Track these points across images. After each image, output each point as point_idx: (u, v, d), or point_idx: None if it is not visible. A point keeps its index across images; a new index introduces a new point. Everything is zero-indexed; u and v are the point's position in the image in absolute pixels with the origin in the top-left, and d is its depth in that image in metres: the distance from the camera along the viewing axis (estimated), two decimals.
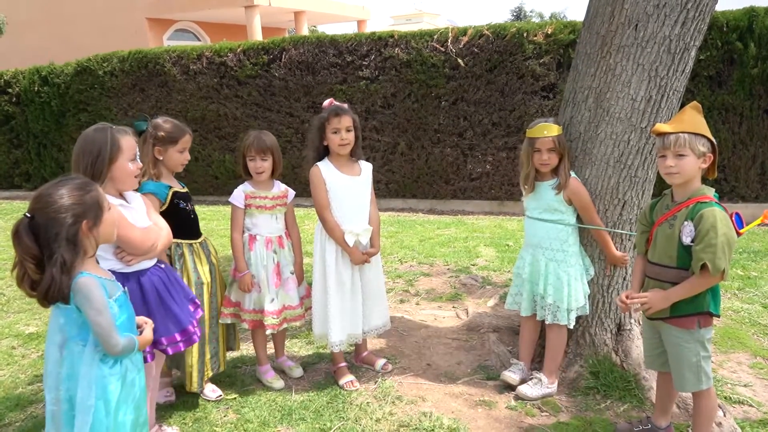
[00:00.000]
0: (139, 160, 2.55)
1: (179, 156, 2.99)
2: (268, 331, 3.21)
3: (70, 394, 2.05)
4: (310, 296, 3.37)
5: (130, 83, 9.67)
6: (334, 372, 3.35)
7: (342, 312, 3.20)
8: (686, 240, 2.35)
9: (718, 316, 2.47)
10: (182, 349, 2.73)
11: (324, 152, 3.23)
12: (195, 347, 2.99)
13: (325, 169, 3.18)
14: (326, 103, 3.21)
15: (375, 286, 3.34)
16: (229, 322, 3.25)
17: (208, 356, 3.11)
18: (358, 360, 3.52)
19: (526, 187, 3.15)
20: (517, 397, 3.06)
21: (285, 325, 3.29)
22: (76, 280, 2.00)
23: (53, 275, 1.93)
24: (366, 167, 3.31)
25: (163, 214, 2.86)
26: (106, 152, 2.40)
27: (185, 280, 2.98)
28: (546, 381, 3.08)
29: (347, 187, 3.19)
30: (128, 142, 2.48)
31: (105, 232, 2.11)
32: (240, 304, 3.23)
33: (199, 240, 3.11)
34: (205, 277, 3.07)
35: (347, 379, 3.26)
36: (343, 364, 3.35)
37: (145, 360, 2.51)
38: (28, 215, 1.97)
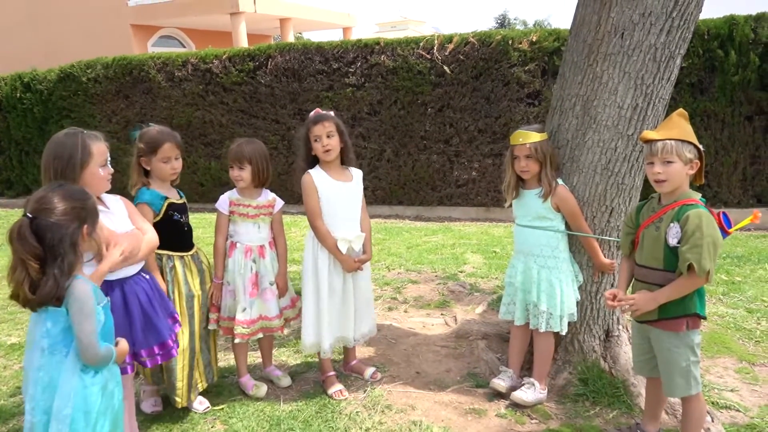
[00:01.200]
0: (110, 166, 2.52)
1: (164, 166, 2.93)
2: (237, 340, 3.19)
3: (48, 404, 2.04)
4: (294, 306, 3.36)
5: (114, 90, 9.58)
6: (322, 381, 3.32)
7: (332, 319, 3.18)
8: (672, 241, 2.37)
9: (705, 318, 2.50)
10: (159, 362, 2.70)
11: (314, 162, 3.22)
12: (183, 364, 2.95)
13: (317, 176, 3.17)
14: (312, 113, 3.22)
15: (365, 293, 3.34)
16: (214, 327, 3.21)
17: (201, 368, 3.08)
18: (346, 369, 3.50)
19: (508, 194, 3.17)
20: (513, 404, 3.03)
21: (260, 335, 3.26)
22: (73, 283, 2.02)
23: (56, 277, 1.97)
24: (357, 174, 3.31)
25: (155, 224, 2.83)
26: (77, 157, 2.37)
27: (176, 293, 2.95)
28: (538, 386, 3.08)
29: (339, 193, 3.18)
30: (99, 147, 2.46)
31: (99, 237, 2.17)
32: (219, 309, 3.21)
33: (191, 252, 3.08)
34: (196, 290, 3.04)
35: (336, 388, 3.23)
36: (332, 373, 3.32)
37: (125, 372, 2.48)
38: (30, 216, 1.98)
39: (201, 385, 3.09)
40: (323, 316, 3.16)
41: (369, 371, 3.42)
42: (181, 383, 2.95)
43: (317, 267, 3.18)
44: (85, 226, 2.07)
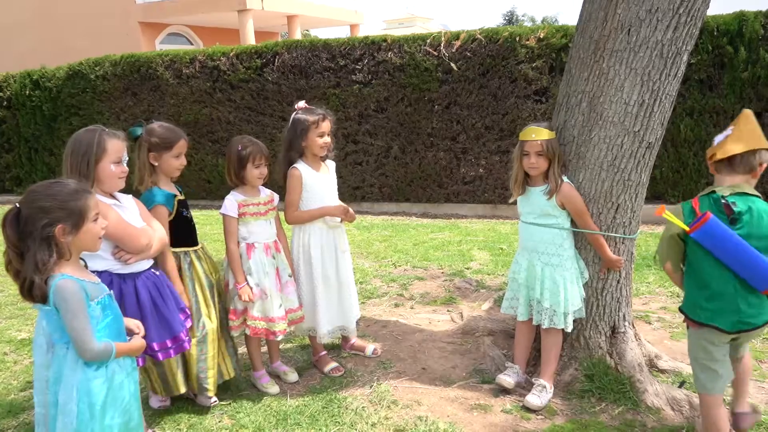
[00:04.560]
0: (125, 164, 2.55)
1: (175, 161, 2.95)
2: (279, 337, 3.22)
3: (57, 397, 2.06)
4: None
5: (123, 87, 9.63)
6: (316, 362, 3.40)
7: (329, 304, 3.34)
8: None
9: (694, 321, 2.63)
10: (172, 355, 2.74)
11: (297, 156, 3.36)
12: (213, 353, 2.99)
13: (304, 170, 3.32)
14: (301, 104, 3.34)
15: (351, 278, 3.50)
16: (242, 332, 3.22)
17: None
18: (347, 347, 3.56)
19: (515, 189, 3.18)
20: (526, 408, 3.01)
21: (290, 328, 3.32)
22: (56, 282, 2.02)
23: (30, 270, 1.99)
24: (332, 165, 3.50)
25: (170, 223, 2.86)
26: (92, 153, 2.44)
27: (197, 287, 2.98)
28: (549, 387, 3.08)
29: (322, 184, 3.37)
30: (114, 144, 2.49)
31: (84, 240, 2.11)
32: (247, 311, 3.17)
33: (200, 245, 3.12)
34: (213, 279, 3.10)
35: (332, 366, 3.37)
36: (324, 352, 3.46)
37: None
38: (17, 206, 2.03)
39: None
40: (319, 301, 3.29)
41: (370, 348, 3.51)
42: (212, 371, 3.00)
43: (310, 254, 3.31)
44: (60, 226, 2.02)
